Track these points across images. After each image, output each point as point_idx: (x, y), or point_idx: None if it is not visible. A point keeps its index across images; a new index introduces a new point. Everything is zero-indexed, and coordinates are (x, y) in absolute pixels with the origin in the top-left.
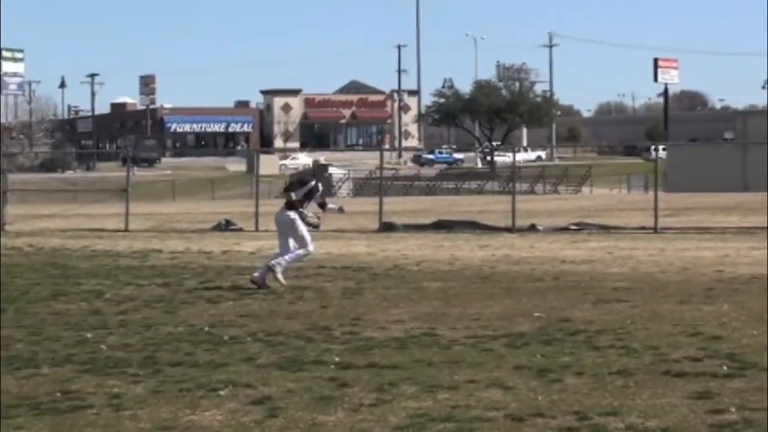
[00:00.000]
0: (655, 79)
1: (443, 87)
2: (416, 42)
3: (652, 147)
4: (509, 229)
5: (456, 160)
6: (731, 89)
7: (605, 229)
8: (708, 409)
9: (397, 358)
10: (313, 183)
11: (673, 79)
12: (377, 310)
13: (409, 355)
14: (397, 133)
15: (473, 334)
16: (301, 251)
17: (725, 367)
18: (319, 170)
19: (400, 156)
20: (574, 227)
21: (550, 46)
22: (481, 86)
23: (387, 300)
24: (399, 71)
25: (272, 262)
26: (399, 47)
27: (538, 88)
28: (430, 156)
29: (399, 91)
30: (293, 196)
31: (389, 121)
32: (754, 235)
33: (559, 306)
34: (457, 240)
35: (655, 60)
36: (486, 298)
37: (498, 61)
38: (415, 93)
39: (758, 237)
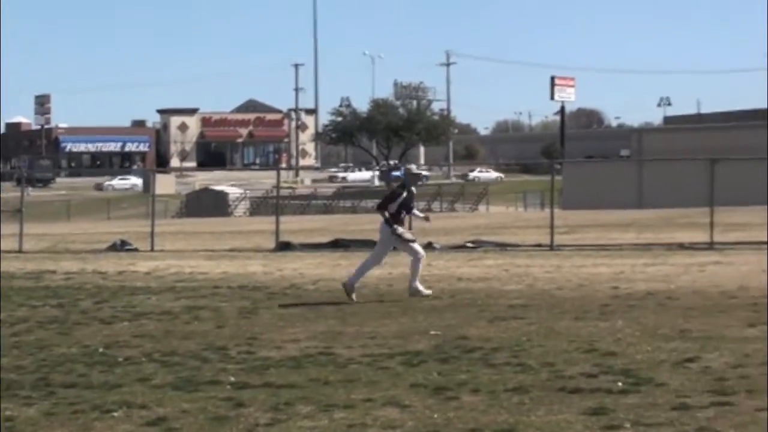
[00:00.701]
0: (552, 97)
1: (341, 106)
2: (314, 61)
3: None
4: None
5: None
6: (627, 107)
7: (501, 246)
8: (603, 425)
9: (293, 378)
10: (405, 194)
11: (570, 97)
12: (273, 329)
13: (305, 374)
14: (294, 152)
15: (369, 352)
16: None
17: (620, 383)
18: (412, 180)
19: (297, 175)
20: (470, 245)
21: (448, 65)
22: (378, 105)
23: (283, 319)
24: (296, 90)
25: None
26: (296, 66)
27: (436, 107)
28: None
29: (296, 110)
30: (387, 214)
31: (286, 139)
32: (649, 251)
33: (456, 324)
34: (354, 259)
35: (552, 78)
36: (382, 316)
37: (395, 80)
38: (312, 112)
39: (653, 253)
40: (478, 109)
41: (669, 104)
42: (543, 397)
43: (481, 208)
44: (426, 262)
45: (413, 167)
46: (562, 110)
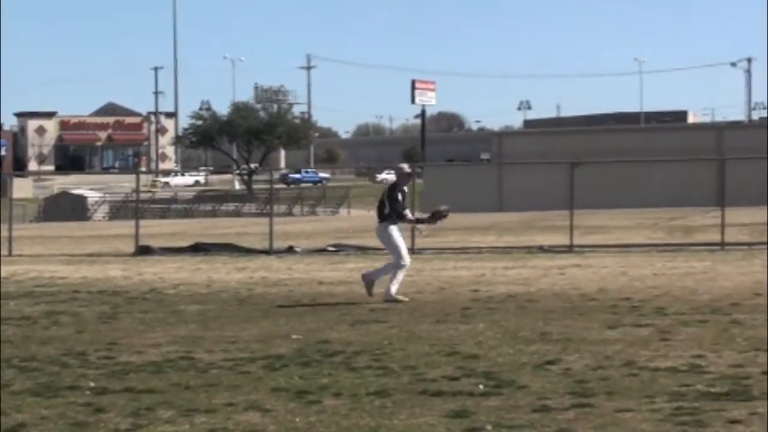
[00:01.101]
0: (413, 100)
1: (201, 109)
2: (174, 64)
3: (385, 171)
4: (267, 252)
5: (321, 179)
6: (488, 111)
7: (363, 250)
8: (465, 427)
9: (153, 382)
10: (400, 195)
11: (431, 100)
12: (134, 334)
13: (166, 379)
14: (153, 156)
15: (231, 356)
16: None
17: (481, 386)
18: (404, 179)
19: (156, 176)
20: (331, 248)
21: (308, 68)
22: (238, 108)
23: (144, 324)
24: (156, 93)
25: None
26: (156, 69)
27: (297, 110)
28: (297, 175)
29: (156, 114)
30: (409, 216)
31: (146, 143)
32: (509, 255)
33: (317, 328)
34: (215, 263)
35: (413, 82)
36: (243, 320)
37: (256, 83)
38: (172, 115)
39: (513, 256)
40: (339, 112)
41: (529, 108)
42: (405, 400)
43: (342, 211)
44: (286, 266)
45: (405, 166)
46: (422, 114)
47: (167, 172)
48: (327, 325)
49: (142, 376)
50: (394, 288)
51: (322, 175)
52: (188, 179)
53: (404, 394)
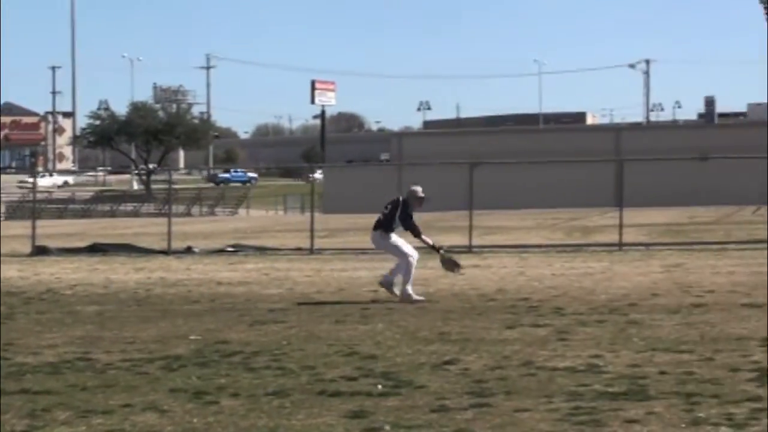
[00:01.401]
0: (313, 101)
1: (99, 109)
2: (71, 63)
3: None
4: (165, 252)
5: (250, 179)
6: (387, 111)
7: (262, 250)
8: (363, 427)
9: (50, 384)
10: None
11: (330, 101)
12: (30, 334)
13: (63, 380)
14: (51, 156)
15: (128, 357)
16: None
17: (380, 386)
18: (415, 203)
19: (51, 175)
20: (230, 249)
21: (208, 68)
22: (137, 108)
23: (40, 324)
24: (53, 93)
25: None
26: (53, 68)
27: (196, 110)
28: (226, 175)
29: (53, 113)
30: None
31: (43, 143)
32: None
33: (216, 328)
34: (113, 263)
35: (313, 82)
36: (141, 321)
37: (155, 83)
38: (70, 115)
39: None
40: (238, 112)
41: (429, 108)
42: (303, 400)
43: (242, 211)
44: (184, 266)
45: (419, 190)
46: (322, 114)
47: (64, 172)
48: (225, 325)
49: (38, 377)
50: (409, 287)
51: (250, 175)
52: (57, 179)
53: (303, 394)
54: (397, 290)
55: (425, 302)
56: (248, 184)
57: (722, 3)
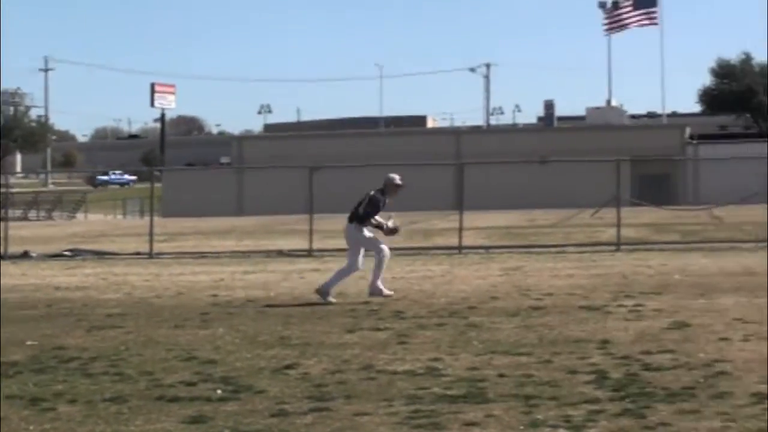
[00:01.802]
0: (152, 104)
1: None
2: None
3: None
4: (1, 256)
5: (129, 181)
6: (228, 114)
7: (100, 255)
8: None
9: None
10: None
11: (170, 104)
12: None
13: None
14: None
15: None
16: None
17: (219, 391)
18: (392, 190)
19: None
20: (68, 253)
21: (46, 70)
22: None
23: None
24: None
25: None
26: None
27: (33, 113)
28: (105, 177)
29: None
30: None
31: None
32: (248, 259)
33: (53, 333)
34: None
35: (152, 85)
36: None
37: None
38: None
39: (252, 260)
40: (77, 115)
41: (269, 112)
42: (141, 406)
43: (80, 216)
44: (21, 271)
45: (396, 178)
46: (162, 117)
47: None
48: (63, 330)
49: None
50: (380, 282)
51: (128, 177)
52: None
53: (141, 399)
54: (385, 289)
55: (392, 296)
56: (126, 186)
57: (563, 8)
